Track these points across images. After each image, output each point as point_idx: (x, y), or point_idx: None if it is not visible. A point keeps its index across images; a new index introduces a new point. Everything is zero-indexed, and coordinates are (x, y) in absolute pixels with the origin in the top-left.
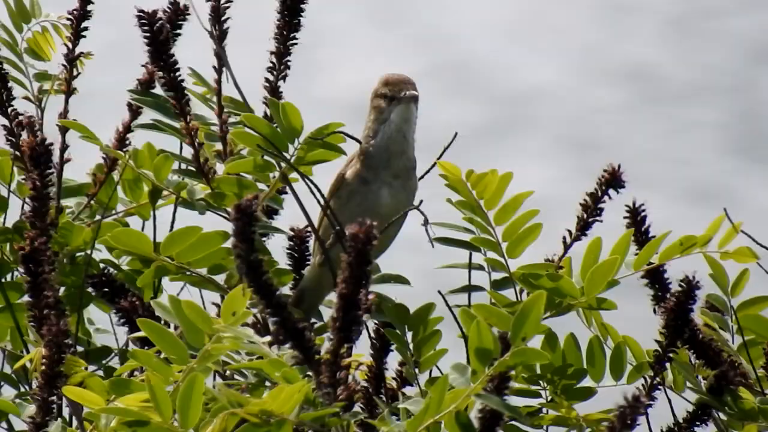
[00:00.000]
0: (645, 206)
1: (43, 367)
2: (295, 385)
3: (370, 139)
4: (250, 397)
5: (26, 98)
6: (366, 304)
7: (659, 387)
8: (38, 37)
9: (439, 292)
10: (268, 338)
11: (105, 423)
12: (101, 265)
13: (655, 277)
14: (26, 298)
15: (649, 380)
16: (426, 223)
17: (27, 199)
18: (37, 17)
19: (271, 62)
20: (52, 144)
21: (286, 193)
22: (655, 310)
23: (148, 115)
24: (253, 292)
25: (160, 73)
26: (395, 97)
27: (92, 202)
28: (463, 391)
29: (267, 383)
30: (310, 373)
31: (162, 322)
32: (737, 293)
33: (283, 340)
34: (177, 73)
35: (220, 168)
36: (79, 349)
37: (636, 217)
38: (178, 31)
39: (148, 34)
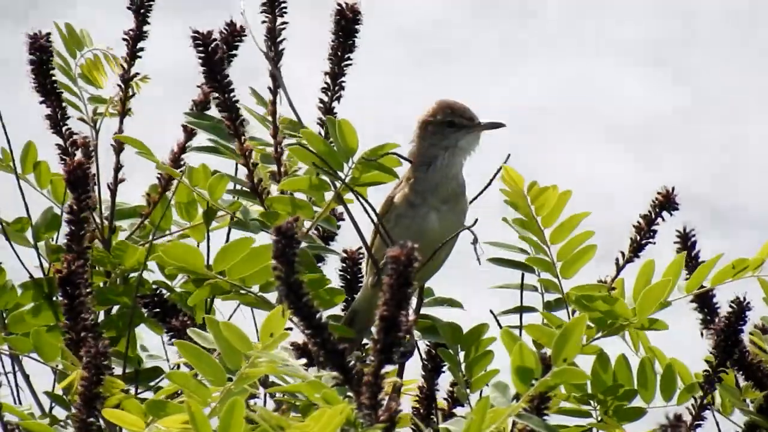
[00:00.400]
0: (695, 231)
1: (82, 389)
2: (336, 407)
3: (424, 163)
4: (291, 421)
5: (81, 119)
6: (407, 326)
7: (709, 407)
8: (90, 65)
9: (491, 311)
10: (303, 360)
11: None
12: (153, 286)
13: (704, 301)
14: (63, 321)
15: (698, 401)
16: (475, 242)
17: (64, 222)
18: (89, 46)
19: (326, 83)
20: (89, 168)
21: (343, 219)
22: (702, 334)
23: (203, 136)
24: (294, 313)
25: (215, 94)
26: (464, 126)
27: (146, 222)
28: (504, 411)
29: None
30: (350, 393)
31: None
32: None
33: (323, 361)
34: (231, 94)
35: (274, 190)
36: (129, 369)
37: (686, 242)
38: (234, 52)
39: (202, 55)
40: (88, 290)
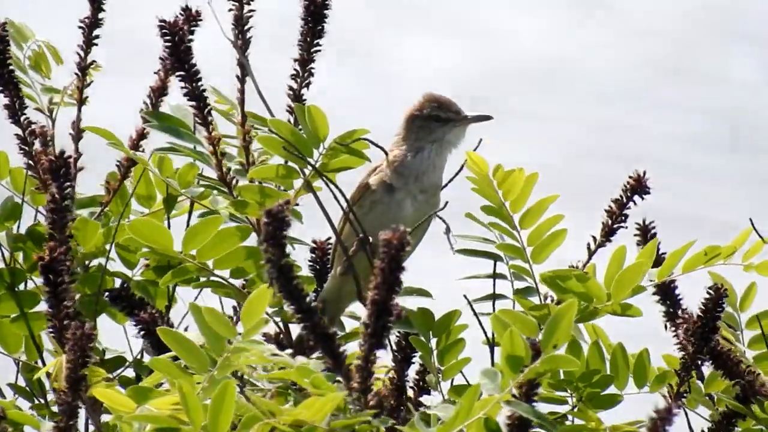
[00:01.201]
0: (654, 224)
1: (67, 371)
2: (329, 395)
3: (409, 151)
4: (283, 407)
5: (38, 109)
6: (397, 311)
7: (685, 395)
8: (37, 57)
9: (465, 297)
10: (289, 351)
11: (138, 428)
12: (115, 279)
13: (666, 293)
14: (45, 308)
15: (675, 388)
16: (448, 231)
17: (46, 211)
18: (32, 38)
19: (295, 69)
20: (70, 157)
21: (297, 204)
22: (666, 327)
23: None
24: (284, 297)
25: (182, 84)
26: (450, 119)
27: (105, 210)
28: (493, 398)
29: (289, 390)
30: (338, 379)
31: None
32: (746, 308)
33: (313, 345)
34: (199, 83)
35: (242, 181)
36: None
37: (646, 235)
38: (192, 37)
39: (169, 44)
40: (70, 278)
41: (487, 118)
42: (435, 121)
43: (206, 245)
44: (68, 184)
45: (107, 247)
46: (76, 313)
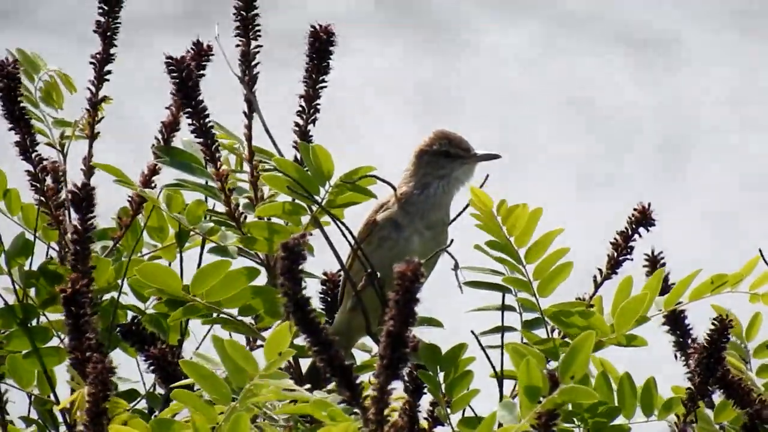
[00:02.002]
0: (663, 254)
1: (88, 405)
2: (341, 424)
3: (416, 189)
4: None
5: (49, 144)
6: (413, 342)
7: (692, 425)
8: (49, 87)
9: (473, 332)
10: (308, 386)
11: None
12: (129, 313)
13: (676, 322)
14: (57, 342)
15: (682, 418)
16: (456, 267)
17: (69, 243)
18: (43, 69)
19: (300, 106)
20: (94, 188)
21: (311, 234)
22: (676, 356)
23: (171, 173)
24: (300, 330)
25: (189, 120)
26: (460, 156)
27: (117, 245)
28: (511, 428)
29: (299, 425)
30: (355, 410)
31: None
32: (752, 337)
33: (330, 377)
34: (206, 119)
35: (250, 217)
36: None
37: (655, 265)
38: (203, 72)
39: (176, 80)
40: (93, 310)
41: (496, 156)
42: (444, 158)
43: (214, 287)
44: (91, 215)
45: (119, 282)
46: (99, 344)
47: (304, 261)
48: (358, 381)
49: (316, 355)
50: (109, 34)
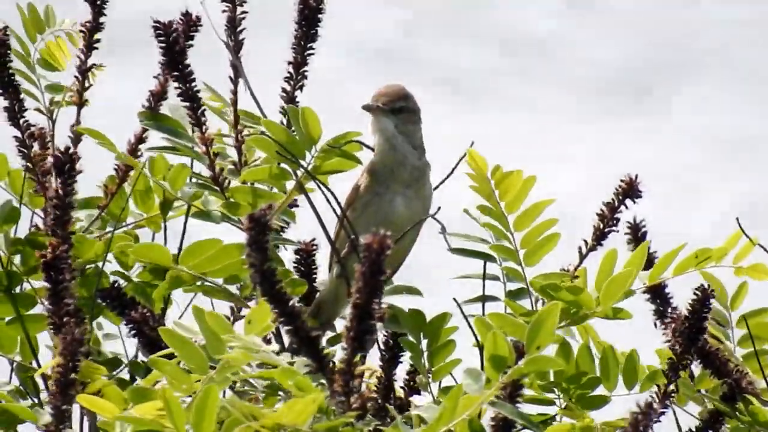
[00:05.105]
0: (645, 222)
1: (58, 375)
2: (309, 396)
3: (374, 153)
4: (264, 410)
5: (38, 110)
6: (380, 314)
7: (673, 395)
8: (52, 47)
9: (455, 300)
10: (276, 347)
11: (120, 430)
12: (111, 278)
13: (657, 292)
14: (42, 309)
15: (662, 388)
16: (443, 231)
17: (49, 208)
18: (52, 26)
19: (288, 72)
20: (76, 153)
21: (297, 206)
22: (656, 325)
23: (157, 136)
24: (267, 301)
25: (176, 84)
26: (384, 109)
27: (103, 213)
28: (476, 398)
29: (280, 392)
30: (322, 381)
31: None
32: (736, 307)
33: (296, 348)
34: (193, 84)
35: (235, 182)
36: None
37: (637, 233)
38: (191, 42)
39: (163, 45)
40: (72, 276)
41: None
42: (381, 112)
43: (203, 260)
44: (72, 180)
45: (105, 252)
46: (77, 310)
47: (271, 232)
48: (325, 352)
49: (282, 325)
50: (98, 2)
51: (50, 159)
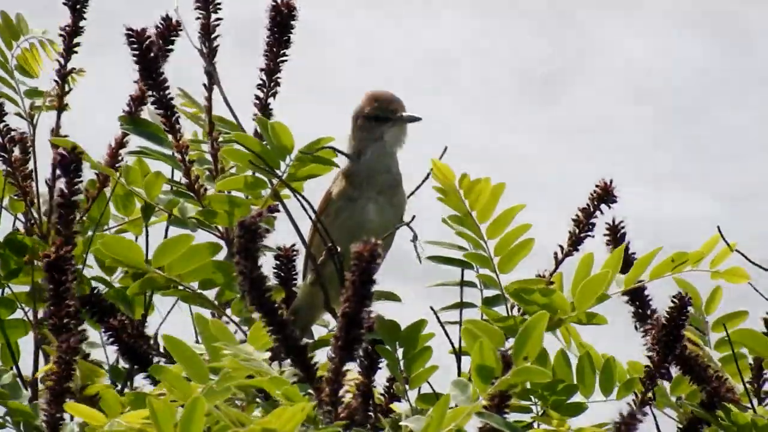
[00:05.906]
0: (624, 224)
1: (51, 383)
2: (298, 404)
3: (356, 157)
4: (252, 416)
5: (18, 115)
6: (368, 323)
7: (650, 402)
8: (26, 54)
9: (431, 308)
10: (267, 355)
11: None
12: (92, 283)
13: (636, 294)
14: (47, 306)
15: (640, 396)
16: (414, 239)
17: (55, 206)
18: (25, 34)
19: (261, 79)
20: (82, 153)
21: (278, 211)
22: (636, 327)
23: (135, 141)
24: (255, 309)
25: (150, 92)
26: (389, 118)
27: (84, 218)
28: (464, 409)
29: (258, 400)
30: (310, 390)
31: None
32: (711, 311)
33: (284, 357)
34: (167, 91)
35: (211, 189)
36: None
37: (616, 235)
38: (171, 47)
39: (137, 52)
40: (74, 276)
41: (416, 119)
42: (375, 120)
43: (176, 260)
44: (78, 180)
45: (84, 256)
46: (77, 311)
47: (261, 240)
48: (313, 361)
49: (271, 334)
50: (78, 6)
51: (56, 157)
